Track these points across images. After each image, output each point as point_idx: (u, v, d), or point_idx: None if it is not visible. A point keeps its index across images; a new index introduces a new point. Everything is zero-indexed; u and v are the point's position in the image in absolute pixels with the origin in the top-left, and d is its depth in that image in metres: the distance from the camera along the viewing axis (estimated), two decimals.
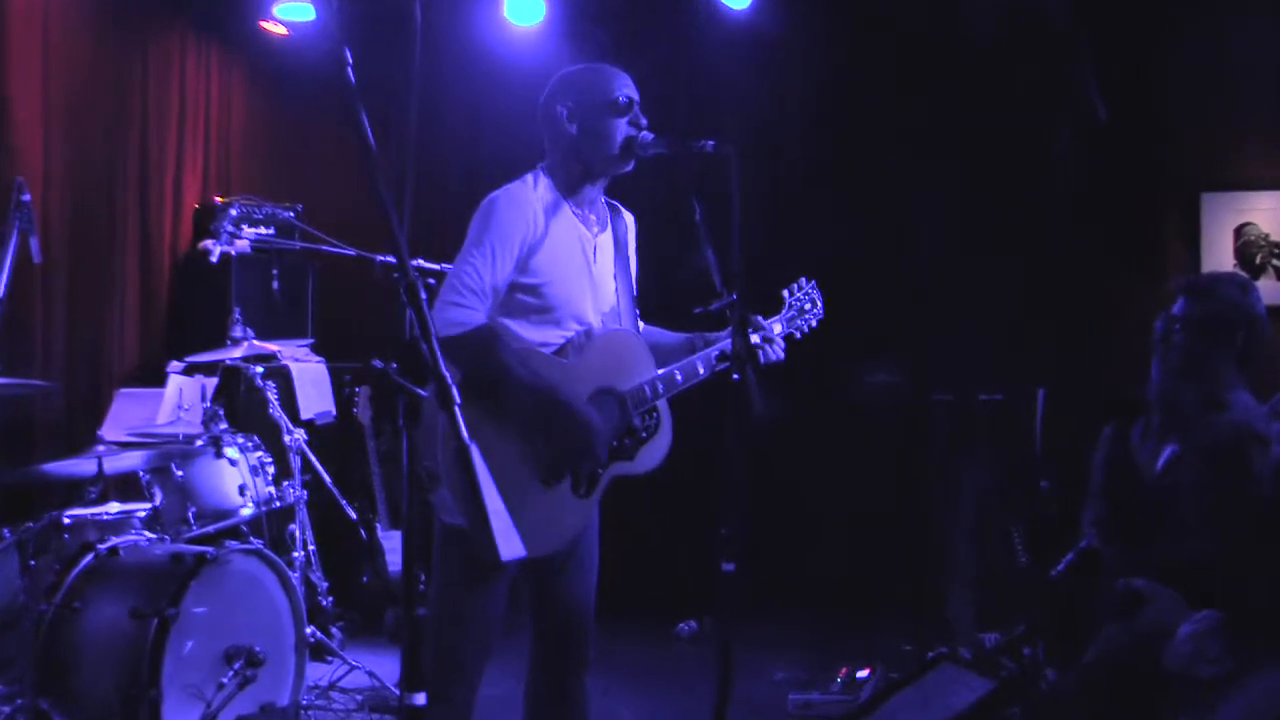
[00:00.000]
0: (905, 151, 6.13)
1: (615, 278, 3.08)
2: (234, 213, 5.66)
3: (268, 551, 4.04)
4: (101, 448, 4.13)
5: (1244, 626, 2.86)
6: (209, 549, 3.83)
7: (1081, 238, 5.97)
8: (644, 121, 2.98)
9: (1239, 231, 6.08)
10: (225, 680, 3.70)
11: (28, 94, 5.36)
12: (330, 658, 4.85)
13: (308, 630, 4.17)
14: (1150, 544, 3.16)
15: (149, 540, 4.01)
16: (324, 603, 5.20)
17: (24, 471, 4.30)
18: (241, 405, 5.43)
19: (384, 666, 4.82)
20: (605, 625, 3.17)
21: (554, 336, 2.95)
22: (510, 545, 1.88)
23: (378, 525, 5.79)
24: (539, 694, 3.07)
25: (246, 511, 4.56)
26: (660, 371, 3.03)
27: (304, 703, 4.21)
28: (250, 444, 4.70)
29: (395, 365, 2.09)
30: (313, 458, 5.27)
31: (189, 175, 6.28)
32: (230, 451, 4.55)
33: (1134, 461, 3.29)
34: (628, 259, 3.15)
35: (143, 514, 4.20)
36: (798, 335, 3.34)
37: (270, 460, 4.76)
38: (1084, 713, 3.09)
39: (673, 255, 3.42)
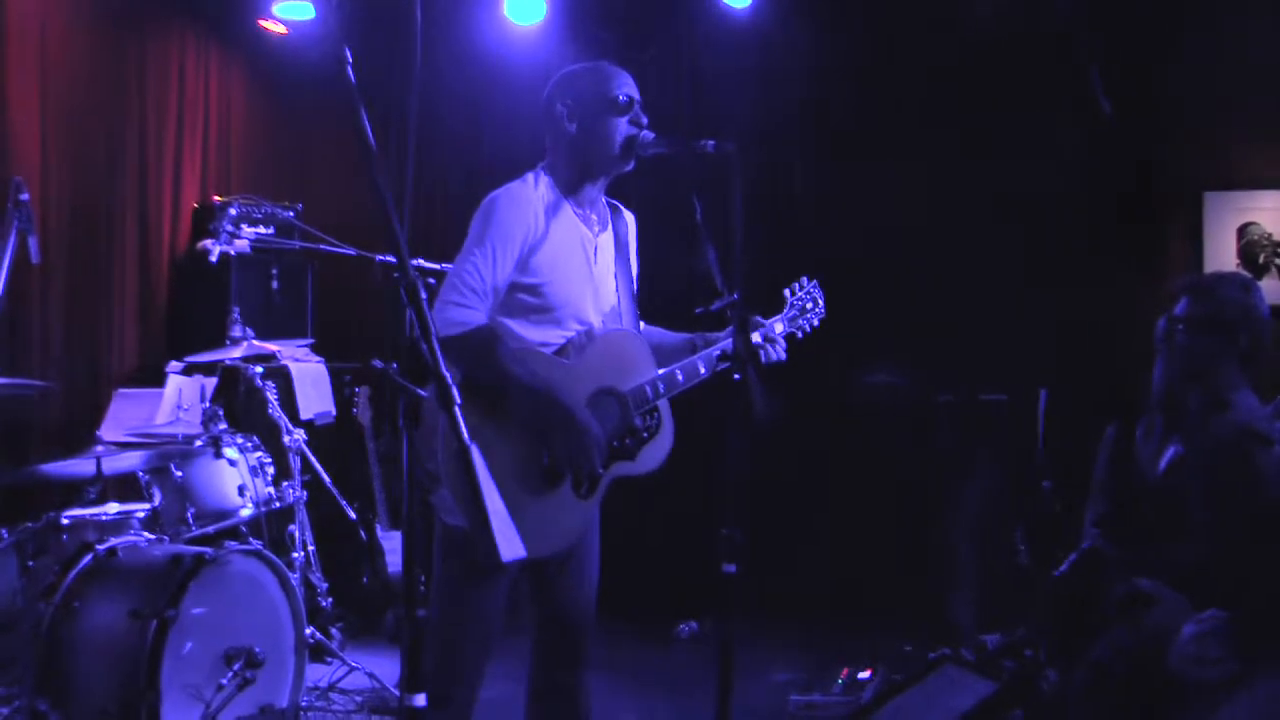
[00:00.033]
0: (906, 151, 6.11)
1: (616, 277, 3.07)
2: (233, 212, 5.66)
3: (267, 552, 4.03)
4: (100, 448, 4.13)
5: (1248, 627, 2.85)
6: (208, 550, 3.82)
7: (1084, 237, 5.96)
8: (644, 120, 2.98)
9: (1242, 231, 6.07)
10: (224, 681, 3.69)
11: (26, 92, 5.36)
12: (330, 659, 4.85)
13: (307, 631, 4.16)
14: (1153, 545, 3.16)
15: (148, 541, 4.00)
16: (324, 604, 5.19)
17: (23, 472, 4.29)
18: (241, 405, 5.43)
19: (384, 668, 4.81)
20: (606, 626, 3.16)
21: (555, 336, 2.94)
22: (511, 546, 1.87)
23: (377, 526, 5.78)
24: (540, 695, 3.07)
25: (246, 512, 4.55)
26: (661, 371, 3.02)
27: (303, 704, 4.20)
28: (250, 444, 4.70)
29: (395, 365, 2.08)
30: (312, 458, 5.27)
31: (188, 174, 6.27)
32: (229, 452, 4.55)
33: (1137, 462, 3.28)
34: (628, 259, 3.14)
35: (142, 514, 4.19)
36: (799, 334, 3.33)
37: (270, 461, 4.75)
38: (1087, 714, 3.08)
39: (673, 255, 3.41)
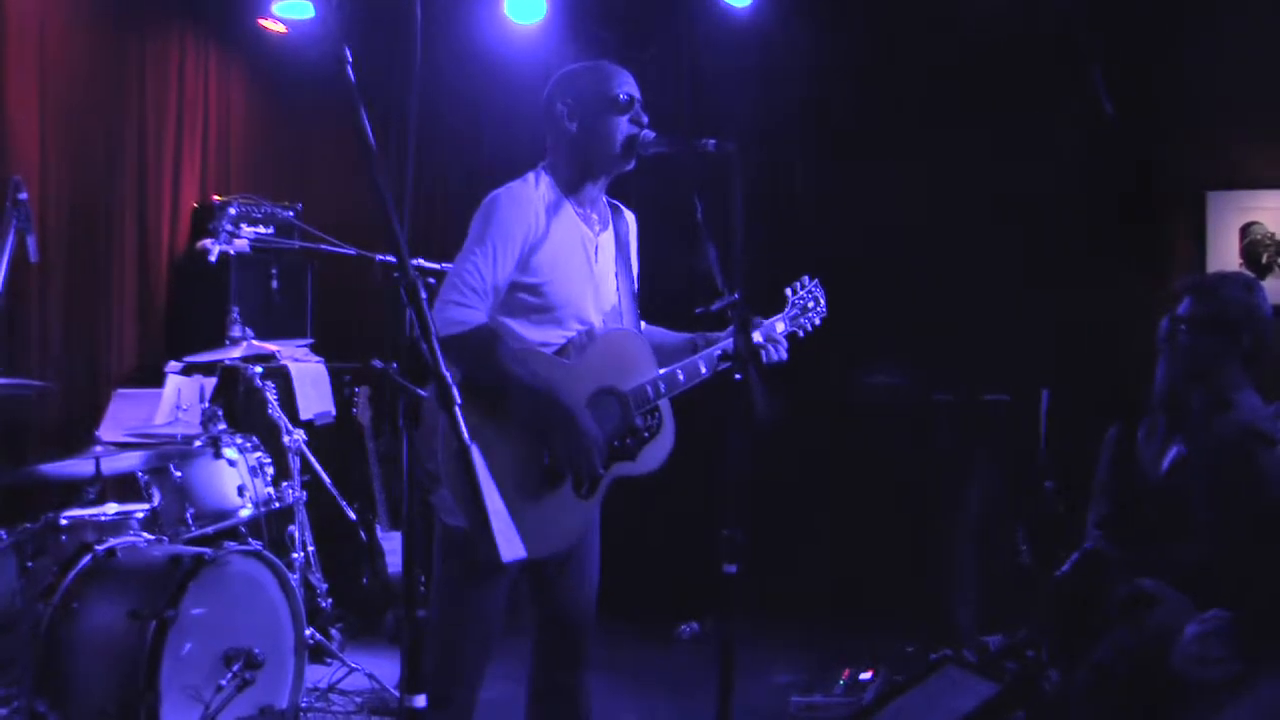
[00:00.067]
0: (907, 150, 6.10)
1: (617, 277, 3.06)
2: (233, 212, 5.66)
3: (267, 553, 4.02)
4: (99, 448, 4.13)
5: (1251, 627, 2.84)
6: (207, 550, 3.81)
7: (1086, 237, 5.95)
8: (645, 120, 2.97)
9: (1245, 230, 6.06)
10: (224, 682, 3.68)
11: (25, 92, 5.35)
12: (330, 660, 4.83)
13: (307, 632, 4.15)
14: (1156, 545, 3.15)
15: (147, 541, 3.99)
16: (323, 604, 5.18)
17: (21, 472, 4.29)
18: (240, 405, 5.42)
19: (384, 668, 4.80)
20: (606, 626, 3.15)
21: (555, 336, 2.93)
22: (511, 546, 1.87)
23: (377, 526, 5.77)
24: (540, 695, 3.07)
25: (245, 512, 4.54)
26: (662, 371, 3.01)
27: (303, 705, 4.20)
28: (249, 444, 4.69)
29: (395, 365, 2.08)
30: (312, 458, 5.26)
31: (187, 174, 6.26)
32: (229, 452, 4.54)
33: (1139, 462, 3.27)
34: (629, 258, 3.13)
35: (141, 515, 4.18)
36: (801, 334, 3.32)
37: (269, 461, 4.75)
38: (1090, 715, 3.07)
39: (674, 255, 3.40)
